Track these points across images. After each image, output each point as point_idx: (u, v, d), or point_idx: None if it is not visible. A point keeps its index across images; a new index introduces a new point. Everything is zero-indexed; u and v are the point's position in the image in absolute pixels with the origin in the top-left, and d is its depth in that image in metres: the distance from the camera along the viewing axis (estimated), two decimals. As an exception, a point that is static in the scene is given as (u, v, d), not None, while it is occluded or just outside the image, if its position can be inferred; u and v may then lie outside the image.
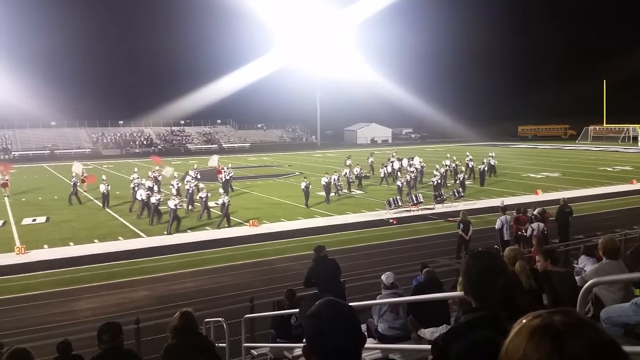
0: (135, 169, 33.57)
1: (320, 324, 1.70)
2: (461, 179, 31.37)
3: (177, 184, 28.92)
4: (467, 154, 38.60)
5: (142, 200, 25.83)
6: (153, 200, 24.55)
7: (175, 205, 23.09)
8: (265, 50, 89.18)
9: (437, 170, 31.62)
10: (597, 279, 4.12)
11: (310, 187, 28.44)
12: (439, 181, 30.41)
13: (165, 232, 22.67)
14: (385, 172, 36.38)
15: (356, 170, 35.27)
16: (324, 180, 29.52)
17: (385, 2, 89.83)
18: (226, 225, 23.52)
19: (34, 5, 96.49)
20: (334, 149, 73.96)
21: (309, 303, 1.84)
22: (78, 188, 31.21)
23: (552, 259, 6.04)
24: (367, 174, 38.49)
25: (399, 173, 35.30)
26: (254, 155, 67.40)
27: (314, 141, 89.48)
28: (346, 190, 32.34)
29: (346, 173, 33.78)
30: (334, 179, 30.67)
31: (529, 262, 6.47)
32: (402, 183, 29.76)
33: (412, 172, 33.20)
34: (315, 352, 1.69)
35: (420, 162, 37.36)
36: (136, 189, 28.11)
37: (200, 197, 25.38)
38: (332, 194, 30.01)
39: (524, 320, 1.14)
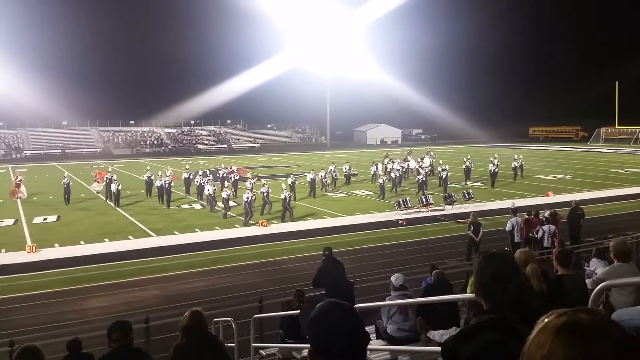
0: (180, 166, 35.42)
1: (323, 327, 1.70)
2: (444, 177, 32.54)
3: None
4: (495, 155, 38.05)
5: (209, 195, 27.28)
6: (224, 195, 25.80)
7: (248, 198, 24.03)
8: (276, 51, 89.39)
9: (422, 168, 33.41)
10: (609, 282, 4.08)
11: (297, 183, 30.83)
12: (424, 179, 31.70)
13: (241, 225, 23.82)
14: (375, 169, 37.41)
15: (345, 168, 36.97)
16: (309, 177, 31.58)
17: (396, 2, 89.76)
18: (288, 219, 24.63)
19: (46, 6, 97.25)
20: (344, 150, 73.88)
21: (310, 306, 1.84)
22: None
23: (560, 261, 5.96)
24: (355, 172, 39.19)
25: (380, 172, 35.97)
26: (264, 156, 67.51)
27: (323, 142, 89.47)
28: (329, 189, 33.63)
29: (332, 170, 35.55)
30: (321, 176, 32.82)
31: (540, 265, 6.42)
32: (383, 181, 31.08)
33: (398, 170, 34.76)
34: (321, 355, 1.69)
35: (418, 161, 38.92)
36: (202, 183, 29.68)
37: (262, 192, 26.28)
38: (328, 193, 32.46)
39: (546, 319, 1.15)
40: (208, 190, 27.54)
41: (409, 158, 41.02)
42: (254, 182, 28.55)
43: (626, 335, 1.08)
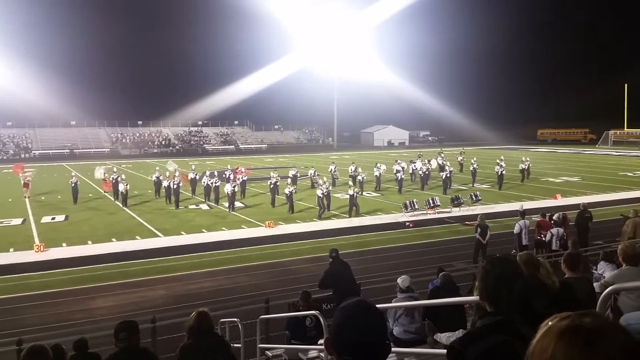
0: (193, 166, 35.80)
1: (341, 320, 1.73)
2: (443, 177, 33.54)
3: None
4: (502, 157, 37.52)
5: (228, 193, 27.65)
6: (286, 191, 26.70)
7: (322, 193, 25.24)
8: (283, 53, 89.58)
9: (400, 165, 35.06)
10: (618, 286, 4.06)
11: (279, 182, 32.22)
12: (402, 177, 33.69)
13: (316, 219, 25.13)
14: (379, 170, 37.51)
15: (351, 169, 36.92)
16: (290, 173, 33.14)
17: (403, 3, 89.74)
18: (354, 215, 25.51)
19: (56, 7, 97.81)
20: (351, 151, 73.83)
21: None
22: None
23: (568, 264, 5.91)
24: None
25: (359, 169, 36.22)
26: (271, 157, 67.59)
27: (330, 143, 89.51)
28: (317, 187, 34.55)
29: (332, 170, 36.78)
30: (311, 173, 34.45)
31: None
32: (362, 178, 32.86)
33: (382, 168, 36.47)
34: (334, 346, 1.73)
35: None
36: (210, 184, 30.09)
37: (328, 189, 27.06)
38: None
39: (550, 322, 1.13)
40: (227, 189, 27.90)
41: (439, 158, 41.09)
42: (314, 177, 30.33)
43: (632, 338, 1.05)
